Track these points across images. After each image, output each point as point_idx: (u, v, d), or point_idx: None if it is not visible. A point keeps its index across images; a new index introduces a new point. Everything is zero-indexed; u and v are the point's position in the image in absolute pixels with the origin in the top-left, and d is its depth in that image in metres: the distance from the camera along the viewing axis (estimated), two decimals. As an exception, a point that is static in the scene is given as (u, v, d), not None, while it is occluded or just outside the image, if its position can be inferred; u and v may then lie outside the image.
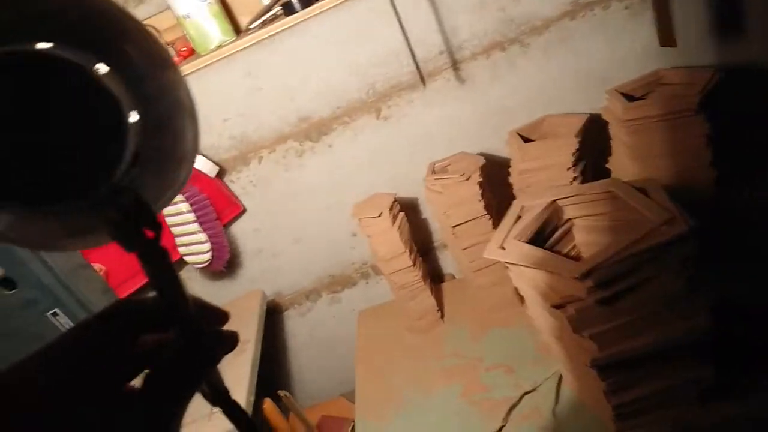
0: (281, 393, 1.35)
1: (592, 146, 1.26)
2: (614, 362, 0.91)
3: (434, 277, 1.56)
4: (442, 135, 1.42)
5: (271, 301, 1.61)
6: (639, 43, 1.32)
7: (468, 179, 1.20)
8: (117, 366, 0.33)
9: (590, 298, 0.88)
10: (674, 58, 1.30)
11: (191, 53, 1.16)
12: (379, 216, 1.29)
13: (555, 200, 1.05)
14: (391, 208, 1.31)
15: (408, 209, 1.44)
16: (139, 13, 1.20)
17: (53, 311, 1.01)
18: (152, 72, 0.39)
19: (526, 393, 1.10)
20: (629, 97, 1.24)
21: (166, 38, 1.17)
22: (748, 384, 0.95)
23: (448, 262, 1.61)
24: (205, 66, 1.15)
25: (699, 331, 0.89)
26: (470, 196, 1.21)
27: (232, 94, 1.35)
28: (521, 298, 1.33)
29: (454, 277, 1.60)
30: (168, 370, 0.35)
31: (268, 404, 1.25)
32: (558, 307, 0.91)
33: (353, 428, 1.33)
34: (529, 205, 1.04)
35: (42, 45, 0.29)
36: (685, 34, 1.25)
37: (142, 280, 1.34)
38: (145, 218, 0.35)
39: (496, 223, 1.25)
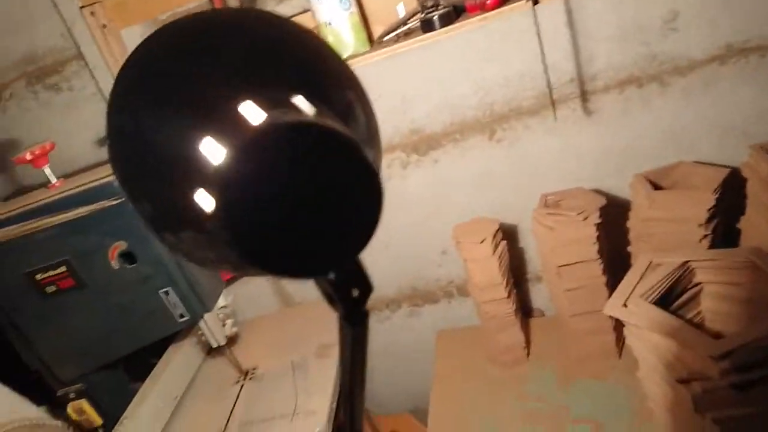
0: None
1: (728, 203, 1.15)
2: (737, 452, 0.83)
3: (525, 311, 1.50)
4: (556, 166, 1.35)
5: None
6: (795, 97, 1.20)
7: (585, 219, 1.14)
8: None
9: (723, 380, 0.80)
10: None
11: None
12: (482, 242, 1.25)
13: (688, 261, 0.97)
14: (494, 236, 1.26)
15: (507, 236, 1.39)
16: (279, 12, 1.21)
17: (165, 290, 1.04)
18: (368, 116, 0.38)
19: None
20: (777, 156, 1.13)
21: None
22: None
23: (538, 296, 1.54)
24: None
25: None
26: (585, 237, 1.15)
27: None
28: (620, 352, 1.26)
29: (542, 313, 1.53)
30: None
31: (344, 414, 1.24)
32: (683, 381, 0.84)
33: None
34: (658, 262, 0.97)
35: (311, 110, 0.27)
36: None
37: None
38: (359, 280, 0.33)
39: (606, 270, 1.18)
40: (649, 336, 0.87)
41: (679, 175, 1.20)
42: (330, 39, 1.09)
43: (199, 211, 0.27)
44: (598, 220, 1.14)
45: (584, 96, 1.27)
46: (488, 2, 1.02)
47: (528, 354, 1.36)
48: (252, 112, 0.27)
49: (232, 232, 0.26)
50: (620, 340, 1.24)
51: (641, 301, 0.88)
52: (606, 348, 1.24)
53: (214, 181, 0.25)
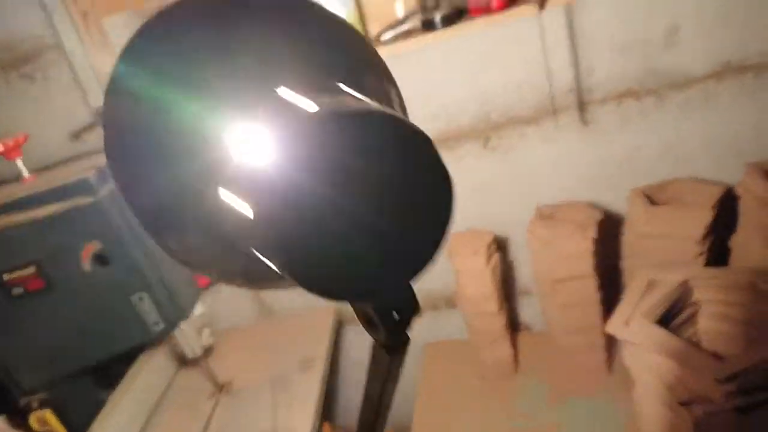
0: None
1: (721, 221, 1.14)
2: (738, 479, 0.80)
3: (513, 325, 1.47)
4: (551, 177, 1.32)
5: (335, 311, 1.55)
6: (790, 117, 1.20)
7: (583, 234, 1.11)
8: None
9: (727, 403, 0.77)
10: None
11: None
12: (475, 254, 1.21)
13: (686, 280, 0.94)
14: (488, 248, 1.23)
15: (499, 247, 1.35)
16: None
17: (140, 295, 0.97)
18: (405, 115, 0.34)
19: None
20: (772, 175, 1.12)
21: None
22: None
23: (527, 310, 1.51)
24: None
25: None
26: (581, 252, 1.12)
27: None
28: (610, 369, 1.23)
29: (528, 328, 1.50)
30: None
31: (327, 430, 1.19)
32: (684, 404, 0.81)
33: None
34: (658, 280, 0.94)
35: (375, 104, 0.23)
36: None
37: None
38: (404, 301, 0.29)
39: (601, 285, 1.15)
40: (649, 356, 0.84)
41: (674, 191, 1.19)
42: (327, 36, 1.05)
43: (225, 215, 0.23)
44: (595, 236, 1.12)
45: (582, 106, 1.25)
46: (493, 4, 0.99)
47: (517, 370, 1.33)
48: (302, 99, 0.22)
49: (273, 242, 0.21)
50: (611, 358, 1.22)
51: (644, 320, 0.85)
52: (597, 365, 1.21)
53: (256, 181, 0.21)
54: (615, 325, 0.86)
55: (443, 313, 1.55)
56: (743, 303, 0.93)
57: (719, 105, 1.21)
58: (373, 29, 1.16)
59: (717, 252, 1.18)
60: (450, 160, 1.35)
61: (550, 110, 1.24)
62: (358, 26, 1.08)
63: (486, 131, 1.32)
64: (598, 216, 1.15)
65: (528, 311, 1.51)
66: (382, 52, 1.10)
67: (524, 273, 1.46)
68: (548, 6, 1.02)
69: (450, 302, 1.53)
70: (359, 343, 1.61)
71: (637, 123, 1.24)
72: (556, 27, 1.14)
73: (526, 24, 1.12)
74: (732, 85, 1.20)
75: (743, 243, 1.17)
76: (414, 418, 1.30)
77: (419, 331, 1.57)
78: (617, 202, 1.28)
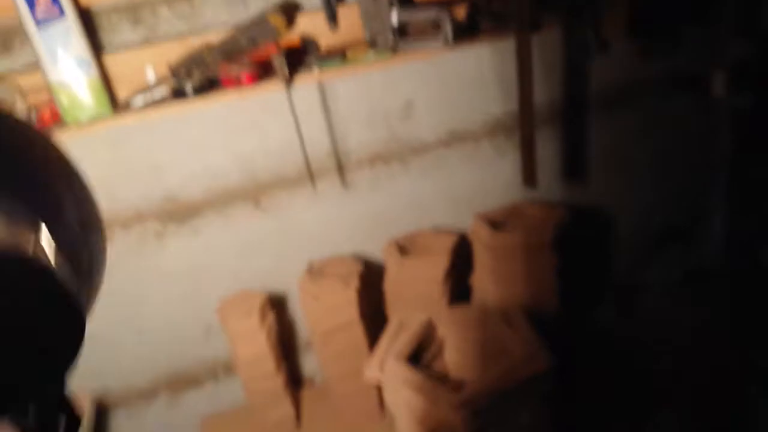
0: None
1: (460, 262, 1.34)
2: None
3: (295, 380, 1.48)
4: (320, 234, 1.40)
5: (96, 398, 1.37)
6: (503, 175, 1.48)
7: (346, 285, 1.19)
8: None
9: (467, 428, 0.89)
10: (532, 192, 1.47)
11: (55, 120, 1.01)
12: (248, 316, 1.21)
13: (430, 319, 1.08)
14: (261, 309, 1.24)
15: (276, 305, 1.37)
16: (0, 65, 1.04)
17: None
18: (82, 204, 0.34)
19: None
20: (493, 223, 1.36)
21: (30, 101, 1.00)
22: None
23: (310, 364, 1.54)
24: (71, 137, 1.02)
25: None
26: (345, 302, 1.20)
27: (86, 161, 1.20)
28: (383, 411, 1.32)
29: (312, 381, 1.53)
30: None
31: None
32: (432, 433, 0.91)
33: None
34: (406, 321, 1.06)
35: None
36: (543, 175, 1.43)
37: None
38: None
39: (367, 331, 1.24)
40: (401, 393, 0.93)
41: (421, 241, 1.36)
42: (64, 101, 0.98)
43: None
44: (357, 286, 1.21)
45: (341, 170, 1.37)
46: (243, 78, 1.04)
47: (300, 425, 1.34)
48: None
49: None
50: (383, 400, 1.30)
51: (394, 361, 0.94)
52: (371, 408, 1.29)
53: None
54: (371, 369, 0.94)
55: (224, 382, 1.49)
56: (476, 336, 1.10)
57: (449, 166, 1.44)
58: (121, 93, 1.12)
59: (462, 290, 1.37)
60: (220, 221, 1.34)
61: (312, 174, 1.33)
62: (102, 90, 1.03)
63: (255, 193, 1.35)
64: (360, 268, 1.25)
65: (311, 365, 1.54)
66: (133, 118, 1.06)
67: (304, 328, 1.49)
68: (300, 82, 1.11)
69: (230, 369, 1.48)
70: (133, 429, 1.45)
71: (387, 183, 1.41)
72: (310, 100, 1.25)
73: (279, 96, 1.20)
74: (457, 150, 1.44)
75: (479, 281, 1.38)
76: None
77: (199, 406, 1.48)
78: (378, 253, 1.41)
